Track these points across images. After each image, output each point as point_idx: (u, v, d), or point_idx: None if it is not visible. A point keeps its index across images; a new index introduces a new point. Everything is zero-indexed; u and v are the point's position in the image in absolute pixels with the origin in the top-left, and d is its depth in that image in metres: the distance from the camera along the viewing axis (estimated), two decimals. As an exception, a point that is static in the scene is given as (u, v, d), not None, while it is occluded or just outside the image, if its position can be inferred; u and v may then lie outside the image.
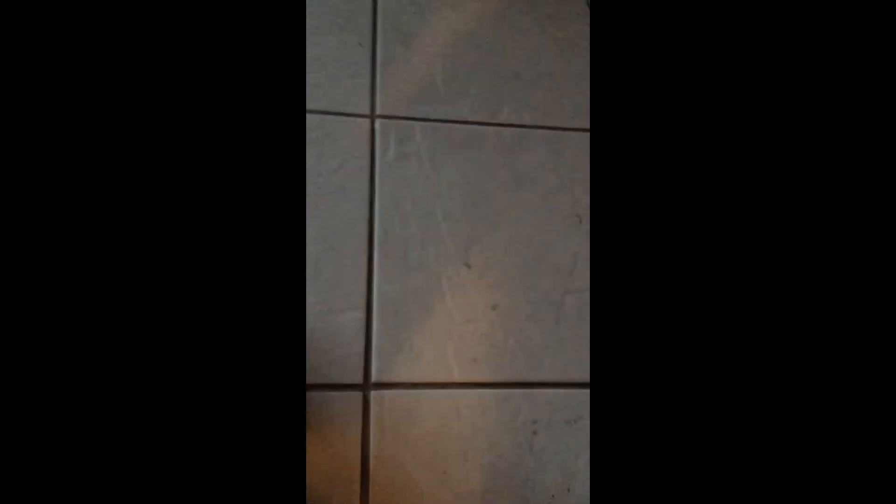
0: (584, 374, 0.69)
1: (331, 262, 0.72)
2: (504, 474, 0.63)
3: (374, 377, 0.65)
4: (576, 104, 0.92)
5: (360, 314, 0.69)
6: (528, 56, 0.98)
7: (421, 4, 1.00)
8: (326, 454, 0.61)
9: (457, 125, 0.86)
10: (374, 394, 0.64)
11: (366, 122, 0.84)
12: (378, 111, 0.85)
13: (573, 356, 0.70)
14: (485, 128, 0.87)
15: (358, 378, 0.65)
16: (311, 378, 0.64)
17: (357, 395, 0.64)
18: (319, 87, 0.85)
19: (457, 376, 0.67)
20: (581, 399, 0.67)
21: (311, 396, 0.63)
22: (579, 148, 0.88)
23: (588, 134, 0.92)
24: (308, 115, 0.83)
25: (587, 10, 1.03)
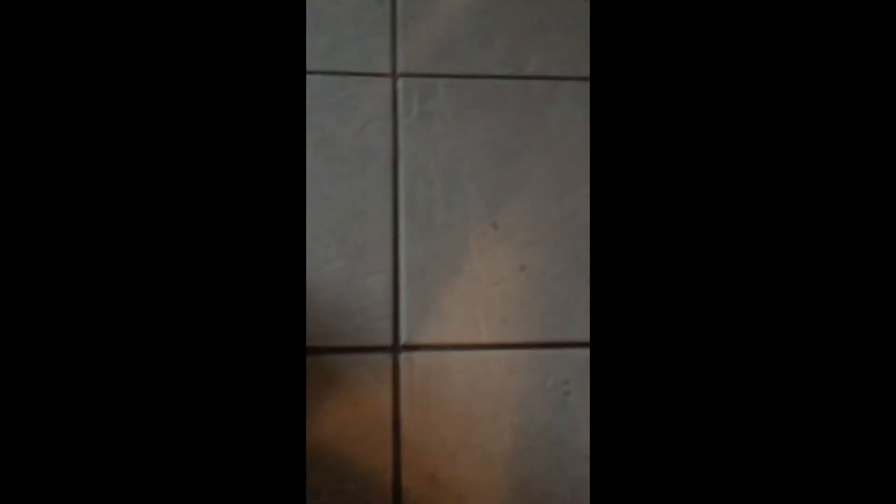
0: (618, 334, 0.67)
1: (356, 225, 0.71)
2: (535, 435, 0.63)
3: (403, 339, 0.65)
4: (607, 53, 0.87)
5: (388, 277, 0.68)
6: (556, 5, 0.92)
7: (441, -46, 0.95)
8: (357, 415, 0.61)
9: (481, 80, 0.83)
10: (403, 356, 0.64)
11: (387, 82, 0.81)
12: (400, 69, 0.82)
13: (606, 316, 0.68)
14: (511, 81, 0.84)
15: (387, 340, 0.65)
16: (340, 341, 0.65)
17: (387, 357, 0.64)
18: (339, 47, 0.83)
19: (486, 337, 0.66)
20: (614, 359, 0.66)
21: (341, 359, 0.64)
22: (611, 99, 0.84)
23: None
24: (328, 77, 0.81)
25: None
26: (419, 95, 0.81)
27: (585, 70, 0.86)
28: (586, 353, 0.66)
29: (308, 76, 0.80)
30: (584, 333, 0.67)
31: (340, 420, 0.61)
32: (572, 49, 0.88)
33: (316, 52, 0.82)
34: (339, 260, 0.69)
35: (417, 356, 0.65)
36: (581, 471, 0.62)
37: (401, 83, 0.81)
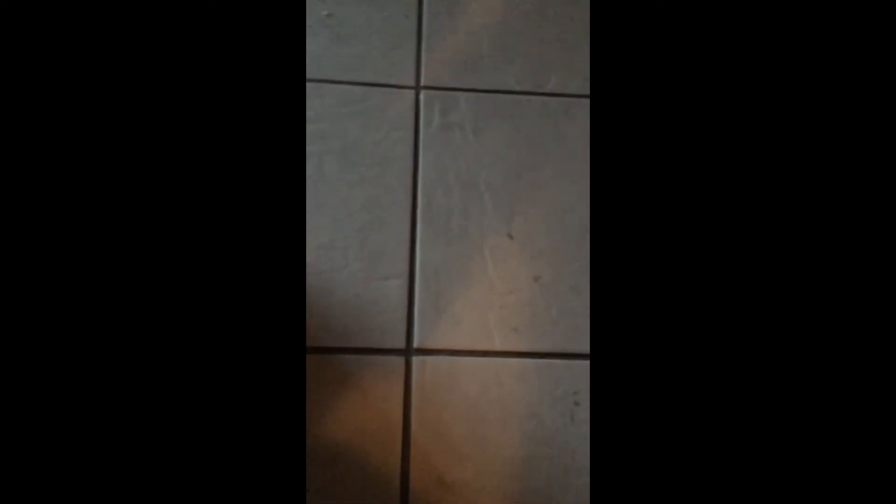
0: (628, 348, 0.68)
1: (374, 231, 0.73)
2: (544, 442, 0.63)
3: (415, 343, 0.66)
4: (626, 72, 0.89)
5: (404, 282, 0.70)
6: (576, 21, 0.95)
7: (467, -27, 0.98)
8: (369, 416, 0.62)
9: (501, 95, 0.85)
10: (415, 359, 0.66)
11: (410, 93, 0.84)
12: (423, 82, 0.85)
13: (617, 329, 0.68)
14: (530, 97, 0.86)
15: (401, 343, 0.66)
16: (355, 342, 0.66)
17: (399, 360, 0.65)
18: (365, 58, 0.86)
19: (498, 345, 0.67)
20: (624, 372, 0.66)
21: (355, 359, 0.65)
22: (628, 117, 0.86)
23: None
24: (353, 87, 0.83)
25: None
26: (441, 107, 0.83)
27: (604, 88, 0.88)
28: (597, 364, 0.67)
29: (334, 85, 0.83)
30: (595, 345, 0.68)
31: (352, 419, 0.62)
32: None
33: (343, 62, 0.85)
34: (357, 263, 0.71)
35: (429, 360, 0.66)
36: (587, 480, 0.62)
37: (423, 95, 0.84)
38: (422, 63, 0.87)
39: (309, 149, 0.78)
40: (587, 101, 0.87)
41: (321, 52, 0.86)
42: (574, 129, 0.84)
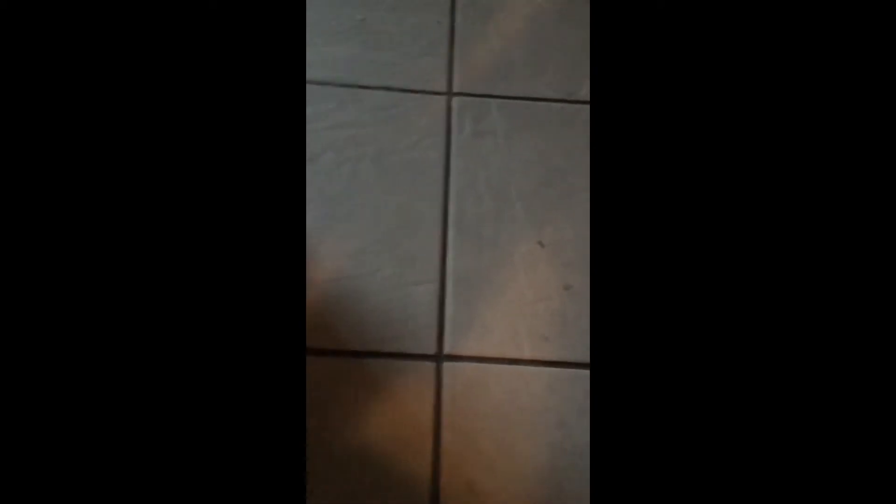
0: (659, 359, 0.67)
1: (406, 236, 0.74)
2: (573, 453, 0.63)
3: (446, 349, 0.67)
4: (659, 81, 0.88)
5: (434, 287, 0.70)
6: (610, 31, 0.94)
7: (500, -20, 0.98)
8: (399, 420, 0.63)
9: (533, 102, 0.85)
10: (446, 365, 0.66)
11: (443, 100, 0.84)
12: (455, 88, 0.85)
13: (647, 340, 0.68)
14: (562, 105, 0.86)
15: (431, 349, 0.67)
16: (385, 346, 0.66)
17: (430, 366, 0.66)
18: (397, 64, 0.87)
19: (527, 353, 0.67)
20: (654, 384, 0.66)
21: (386, 364, 0.66)
22: (661, 127, 0.85)
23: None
24: (385, 93, 0.84)
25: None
26: (473, 114, 0.83)
27: (636, 97, 0.88)
28: (627, 375, 0.67)
29: (368, 91, 0.84)
30: (625, 356, 0.68)
31: (382, 424, 0.63)
32: (624, 76, 0.89)
33: (376, 68, 0.86)
34: (389, 268, 0.71)
35: (460, 366, 0.66)
36: (616, 493, 0.62)
37: (455, 102, 0.84)
38: (454, 69, 0.87)
39: (342, 154, 0.79)
40: (619, 110, 0.87)
41: (354, 57, 0.87)
42: (606, 137, 0.84)
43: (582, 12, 0.96)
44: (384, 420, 0.63)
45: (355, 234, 0.73)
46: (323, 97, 0.83)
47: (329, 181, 0.77)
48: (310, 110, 0.81)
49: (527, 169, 0.80)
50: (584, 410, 0.65)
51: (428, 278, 0.71)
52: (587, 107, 0.86)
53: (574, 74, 0.89)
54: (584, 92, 0.87)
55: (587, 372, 0.67)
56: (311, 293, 0.69)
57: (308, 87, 0.83)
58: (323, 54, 0.86)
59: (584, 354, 0.68)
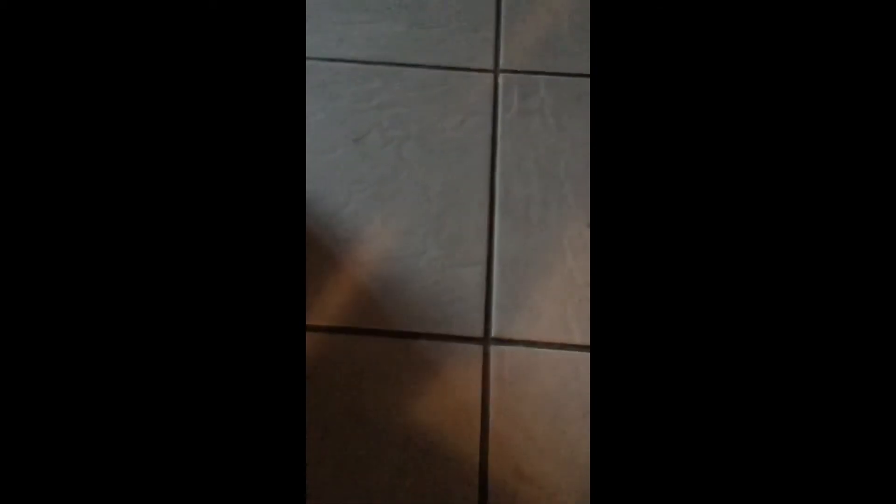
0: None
1: (452, 217, 0.72)
2: (623, 440, 0.62)
3: (493, 332, 0.66)
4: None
5: (481, 269, 0.69)
6: None
7: (548, -48, 0.95)
8: (447, 402, 0.63)
9: (583, 78, 0.82)
10: (493, 348, 0.65)
11: (489, 77, 0.82)
12: (502, 66, 0.83)
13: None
14: (614, 82, 0.83)
15: (479, 332, 0.66)
16: (433, 328, 0.66)
17: (477, 348, 0.65)
18: (443, 41, 0.85)
19: (577, 338, 0.66)
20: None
21: (433, 345, 0.65)
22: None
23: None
24: (431, 71, 0.82)
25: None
26: (520, 92, 0.81)
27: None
28: (681, 362, 0.65)
29: (412, 69, 0.83)
30: (679, 343, 0.66)
31: (430, 405, 0.63)
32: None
33: (421, 45, 0.84)
34: (435, 250, 0.70)
35: (508, 350, 0.65)
36: (668, 482, 0.61)
37: (502, 79, 0.82)
38: (500, 46, 0.85)
39: (388, 133, 0.78)
40: (674, 86, 0.83)
41: (400, 35, 0.85)
42: (659, 115, 0.81)
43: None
44: (431, 402, 0.63)
45: (401, 214, 0.73)
46: (367, 76, 0.81)
47: (374, 161, 0.76)
48: (354, 90, 0.80)
49: (576, 149, 0.77)
50: (635, 397, 0.63)
51: (475, 260, 0.70)
52: (639, 84, 0.83)
53: (625, 50, 0.85)
54: (636, 68, 0.84)
55: (638, 358, 0.65)
56: (358, 273, 0.69)
57: (352, 65, 0.82)
58: (367, 32, 0.85)
59: (635, 340, 0.66)
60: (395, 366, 0.64)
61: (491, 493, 0.59)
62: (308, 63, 0.82)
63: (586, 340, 0.66)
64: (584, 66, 0.84)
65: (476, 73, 0.82)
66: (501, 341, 0.65)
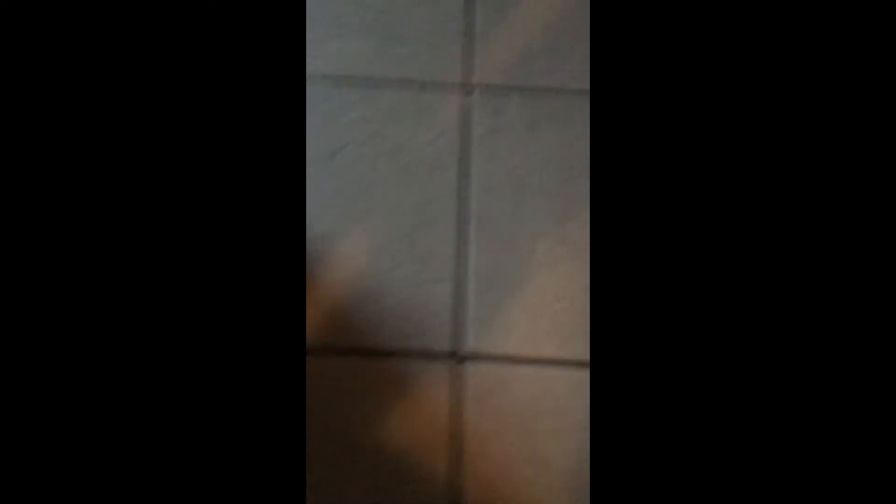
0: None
1: (425, 234, 0.72)
2: (596, 455, 0.62)
3: (466, 348, 0.66)
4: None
5: (454, 285, 0.69)
6: (634, 20, 0.92)
7: (520, -31, 0.96)
8: (419, 420, 0.62)
9: (554, 94, 0.83)
10: (465, 365, 0.65)
11: (462, 93, 0.82)
12: (474, 81, 0.84)
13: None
14: (584, 97, 0.83)
15: (450, 348, 0.66)
16: (404, 344, 0.66)
17: (449, 366, 0.65)
18: (416, 58, 0.85)
19: (549, 353, 0.66)
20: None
21: (403, 364, 0.65)
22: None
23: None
24: (403, 87, 0.83)
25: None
26: (492, 108, 0.82)
27: (662, 88, 0.85)
28: (652, 376, 0.65)
29: (386, 85, 0.83)
30: (650, 356, 0.66)
31: (403, 423, 0.62)
32: (649, 66, 0.87)
33: (394, 61, 0.85)
34: (408, 265, 0.70)
35: (480, 366, 0.65)
36: (641, 497, 0.61)
37: (475, 95, 0.83)
38: (474, 62, 0.85)
39: (360, 150, 0.78)
40: (644, 101, 0.84)
41: (373, 52, 0.85)
42: (630, 130, 0.82)
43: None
44: (404, 419, 0.62)
45: (374, 230, 0.72)
46: (340, 92, 0.81)
47: (347, 178, 0.76)
48: (327, 106, 0.80)
49: (548, 164, 0.78)
50: (607, 412, 0.63)
51: (447, 276, 0.70)
52: (610, 98, 0.84)
53: (597, 65, 0.87)
54: (608, 83, 0.85)
55: (611, 372, 0.65)
56: (330, 291, 0.68)
57: (325, 82, 0.82)
58: (341, 48, 0.85)
59: (607, 355, 0.66)
60: (367, 384, 0.64)
61: (463, 512, 0.58)
62: (280, 79, 0.81)
63: (557, 354, 0.66)
64: (557, 81, 0.85)
65: (449, 89, 0.83)
66: (474, 357, 0.65)
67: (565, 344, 0.66)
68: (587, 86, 0.84)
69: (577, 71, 0.86)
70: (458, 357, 0.65)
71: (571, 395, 0.64)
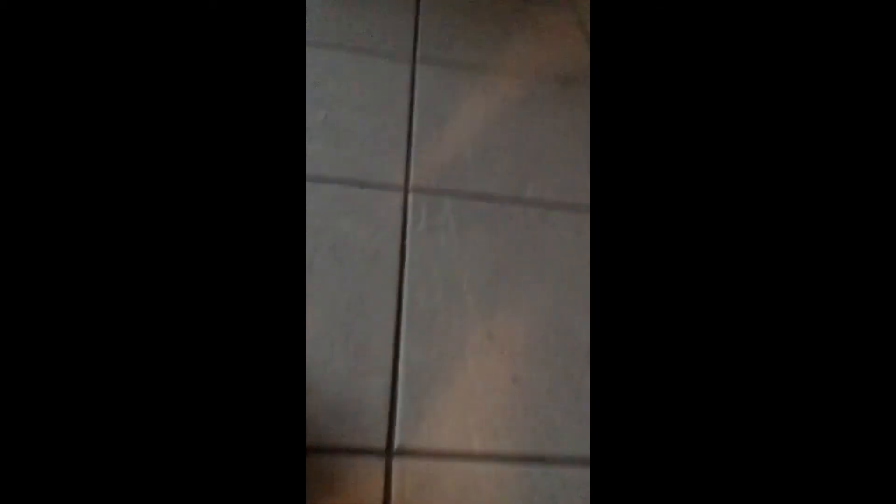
0: (603, 453, 0.69)
1: (360, 326, 0.75)
2: (522, 553, 0.62)
3: (396, 444, 0.66)
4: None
5: (386, 379, 0.71)
6: (552, 138, 1.04)
7: (454, 88, 1.08)
8: (346, 521, 0.61)
9: (485, 201, 0.91)
10: (396, 461, 0.65)
11: (399, 194, 0.89)
12: (411, 185, 0.90)
13: (592, 433, 0.70)
14: (511, 203, 0.92)
15: (381, 444, 0.66)
16: (336, 441, 0.65)
17: (380, 462, 0.65)
18: (358, 160, 0.91)
19: (477, 447, 0.68)
20: (600, 478, 0.67)
21: (335, 460, 0.64)
22: (600, 228, 0.92)
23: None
24: (345, 186, 0.88)
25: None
26: (427, 209, 0.88)
27: (579, 198, 0.96)
28: (573, 470, 0.68)
29: (328, 183, 0.88)
30: (572, 448, 0.69)
31: (329, 525, 0.61)
32: (566, 178, 0.97)
33: (338, 162, 0.90)
34: (341, 358, 0.72)
35: (410, 462, 0.66)
36: None
37: (411, 197, 0.89)
38: (411, 167, 0.93)
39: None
40: (562, 210, 0.94)
41: (317, 153, 0.91)
42: (551, 234, 0.90)
43: (532, 118, 1.06)
44: (330, 521, 0.61)
45: (309, 323, 0.74)
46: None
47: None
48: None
49: (477, 263, 0.84)
50: (532, 507, 0.65)
51: (380, 369, 0.71)
52: (534, 206, 0.93)
53: (521, 175, 0.96)
54: (531, 192, 0.95)
55: (535, 468, 0.68)
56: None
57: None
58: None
59: (532, 447, 0.69)
60: (294, 483, 0.62)
61: None
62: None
63: (486, 448, 0.68)
64: (486, 186, 0.93)
65: (387, 191, 0.89)
66: (404, 453, 0.66)
67: (493, 438, 0.69)
68: (512, 193, 0.93)
69: (503, 180, 0.95)
70: (389, 453, 0.66)
71: (496, 490, 0.66)
